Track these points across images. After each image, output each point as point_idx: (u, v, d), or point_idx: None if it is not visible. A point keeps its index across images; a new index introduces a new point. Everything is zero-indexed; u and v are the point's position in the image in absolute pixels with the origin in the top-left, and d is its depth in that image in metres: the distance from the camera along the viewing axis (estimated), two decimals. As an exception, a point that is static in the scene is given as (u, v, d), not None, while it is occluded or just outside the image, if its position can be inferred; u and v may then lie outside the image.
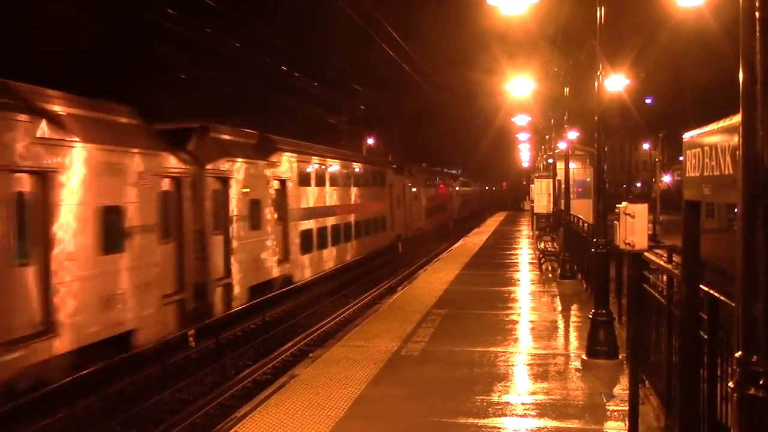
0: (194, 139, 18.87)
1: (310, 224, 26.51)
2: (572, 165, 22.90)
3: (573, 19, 16.46)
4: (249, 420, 7.67)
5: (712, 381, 5.05)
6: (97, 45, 37.03)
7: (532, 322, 13.12)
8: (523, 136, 47.47)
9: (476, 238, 34.91)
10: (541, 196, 27.23)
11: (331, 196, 29.64)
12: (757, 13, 2.71)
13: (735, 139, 3.28)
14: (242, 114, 37.88)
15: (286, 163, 24.29)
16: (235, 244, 19.99)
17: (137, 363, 14.75)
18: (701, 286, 5.09)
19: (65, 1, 35.73)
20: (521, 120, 35.73)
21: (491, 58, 25.54)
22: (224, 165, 19.63)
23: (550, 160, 28.40)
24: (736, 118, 3.05)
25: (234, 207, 20.02)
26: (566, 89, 19.71)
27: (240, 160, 20.60)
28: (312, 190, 27.19)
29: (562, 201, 21.28)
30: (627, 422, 6.63)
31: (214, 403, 13.37)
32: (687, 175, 4.35)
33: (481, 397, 8.26)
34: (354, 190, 33.31)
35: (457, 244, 32.48)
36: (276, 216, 23.06)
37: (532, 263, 22.87)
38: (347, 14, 26.08)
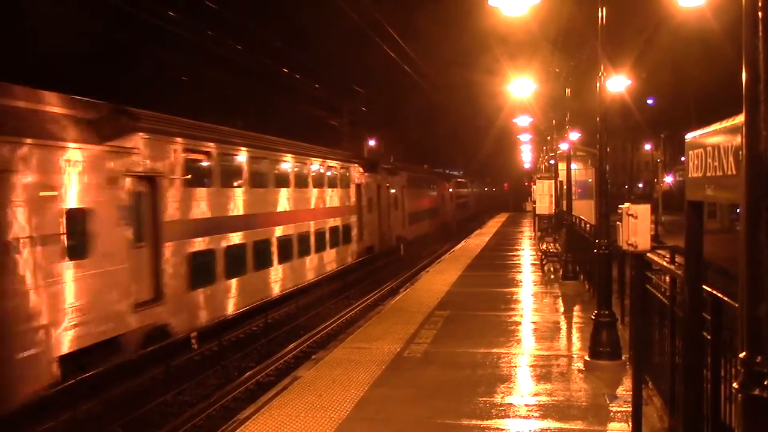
0: None
1: (207, 243, 17.75)
2: (574, 166, 22.90)
3: (574, 20, 16.50)
4: (252, 422, 7.69)
5: (716, 382, 5.04)
6: (97, 46, 37.14)
7: (534, 323, 13.11)
8: (524, 137, 47.51)
9: (478, 240, 34.93)
10: (543, 197, 27.28)
11: (250, 199, 20.42)
12: (759, 14, 2.71)
13: (738, 140, 3.29)
14: (244, 116, 38.08)
15: (159, 151, 15.83)
16: (18, 287, 11.41)
17: (139, 365, 14.75)
18: (704, 286, 5.08)
19: (65, 2, 35.83)
20: (523, 121, 35.71)
21: (492, 59, 25.61)
22: None
23: (552, 161, 28.41)
24: (739, 119, 3.05)
25: (18, 223, 11.46)
26: (567, 90, 19.74)
27: (37, 142, 12.06)
28: (213, 193, 18.31)
29: (564, 202, 21.30)
30: (630, 423, 6.63)
31: (217, 405, 13.40)
32: (689, 175, 4.35)
33: (484, 399, 8.26)
34: (294, 192, 23.96)
35: (459, 246, 32.50)
36: (133, 234, 14.72)
37: (534, 264, 22.85)
38: (348, 16, 26.08)
